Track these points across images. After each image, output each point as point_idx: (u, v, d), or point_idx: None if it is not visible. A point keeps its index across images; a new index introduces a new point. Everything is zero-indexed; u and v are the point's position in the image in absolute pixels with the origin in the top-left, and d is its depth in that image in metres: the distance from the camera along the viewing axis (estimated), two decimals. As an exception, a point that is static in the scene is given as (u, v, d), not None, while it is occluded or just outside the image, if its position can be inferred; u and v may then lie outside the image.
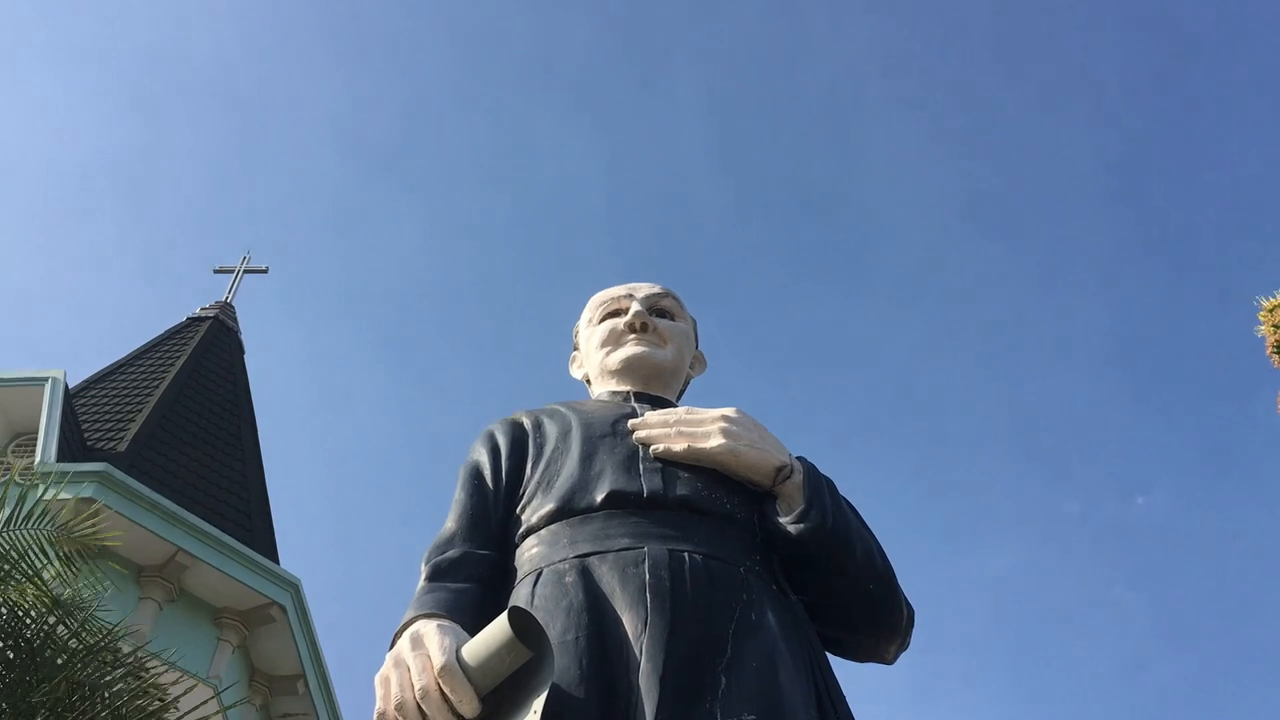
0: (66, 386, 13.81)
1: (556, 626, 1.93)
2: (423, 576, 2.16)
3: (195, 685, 10.49)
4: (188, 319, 18.70)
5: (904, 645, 2.31)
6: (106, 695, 6.51)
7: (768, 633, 1.98)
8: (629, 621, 1.94)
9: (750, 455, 2.26)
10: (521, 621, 1.80)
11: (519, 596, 2.07)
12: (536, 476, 2.34)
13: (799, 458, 2.34)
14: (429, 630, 1.93)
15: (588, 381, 2.85)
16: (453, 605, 2.04)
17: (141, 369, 16.66)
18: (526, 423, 2.52)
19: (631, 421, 2.41)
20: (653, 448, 2.31)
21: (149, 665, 7.35)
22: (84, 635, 6.92)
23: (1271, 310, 10.46)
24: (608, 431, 2.39)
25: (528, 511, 2.27)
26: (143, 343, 17.67)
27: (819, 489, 2.24)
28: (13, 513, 7.49)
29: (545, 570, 2.09)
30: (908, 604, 2.29)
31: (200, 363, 17.13)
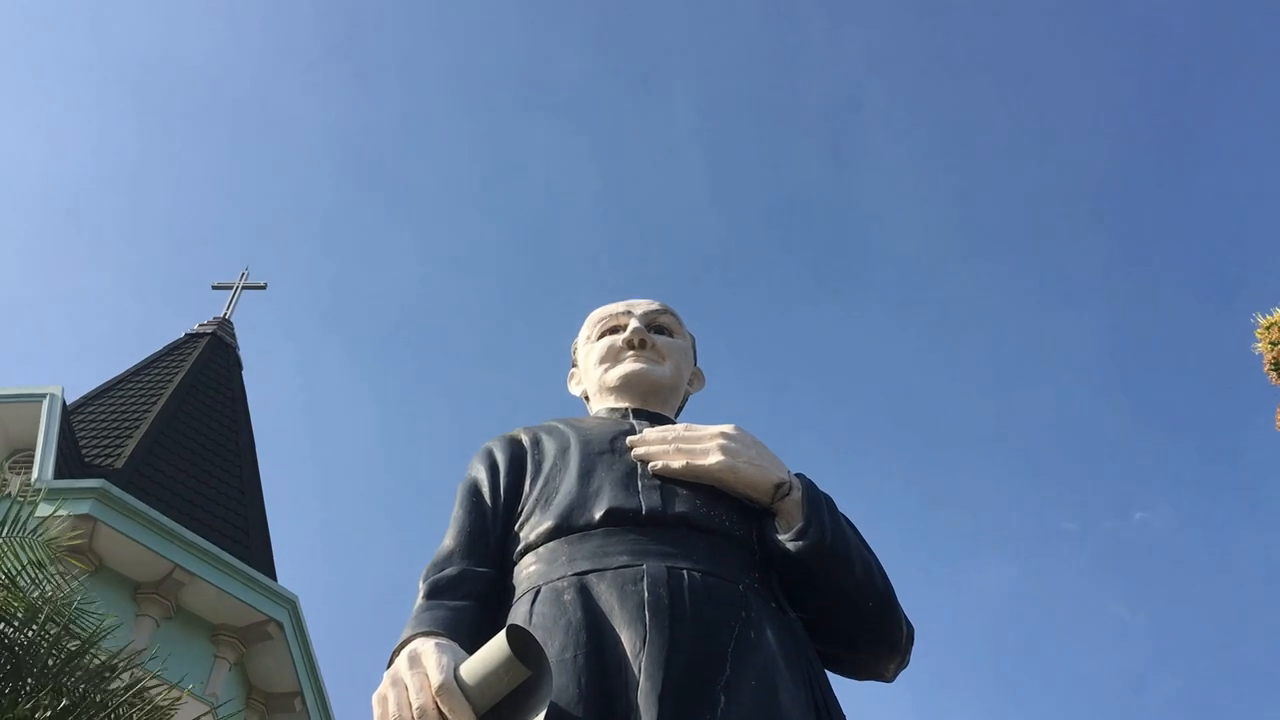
0: (64, 402, 13.79)
1: (555, 644, 1.93)
2: (420, 594, 2.15)
3: (192, 703, 10.44)
4: (186, 335, 18.70)
5: (903, 663, 2.30)
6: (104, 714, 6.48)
7: (767, 651, 1.98)
8: (628, 639, 1.94)
9: (749, 472, 2.26)
10: (520, 640, 1.79)
11: (517, 614, 2.07)
12: (535, 494, 2.34)
13: (798, 474, 2.34)
14: (427, 649, 1.92)
15: (586, 398, 2.84)
16: (451, 623, 2.03)
17: (139, 385, 16.65)
18: (525, 439, 2.52)
19: (630, 438, 2.41)
20: (651, 465, 2.30)
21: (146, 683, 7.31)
22: (70, 638, 6.88)
23: (1269, 327, 10.47)
24: (606, 448, 2.39)
25: (526, 529, 2.26)
26: (141, 359, 17.67)
27: (818, 506, 2.24)
28: (4, 521, 7.46)
29: (544, 588, 2.09)
30: (907, 622, 2.29)
31: (198, 379, 17.12)
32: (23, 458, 13.81)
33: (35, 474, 12.34)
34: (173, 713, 7.23)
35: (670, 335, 2.83)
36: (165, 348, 18.10)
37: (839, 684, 2.22)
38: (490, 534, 2.29)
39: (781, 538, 2.18)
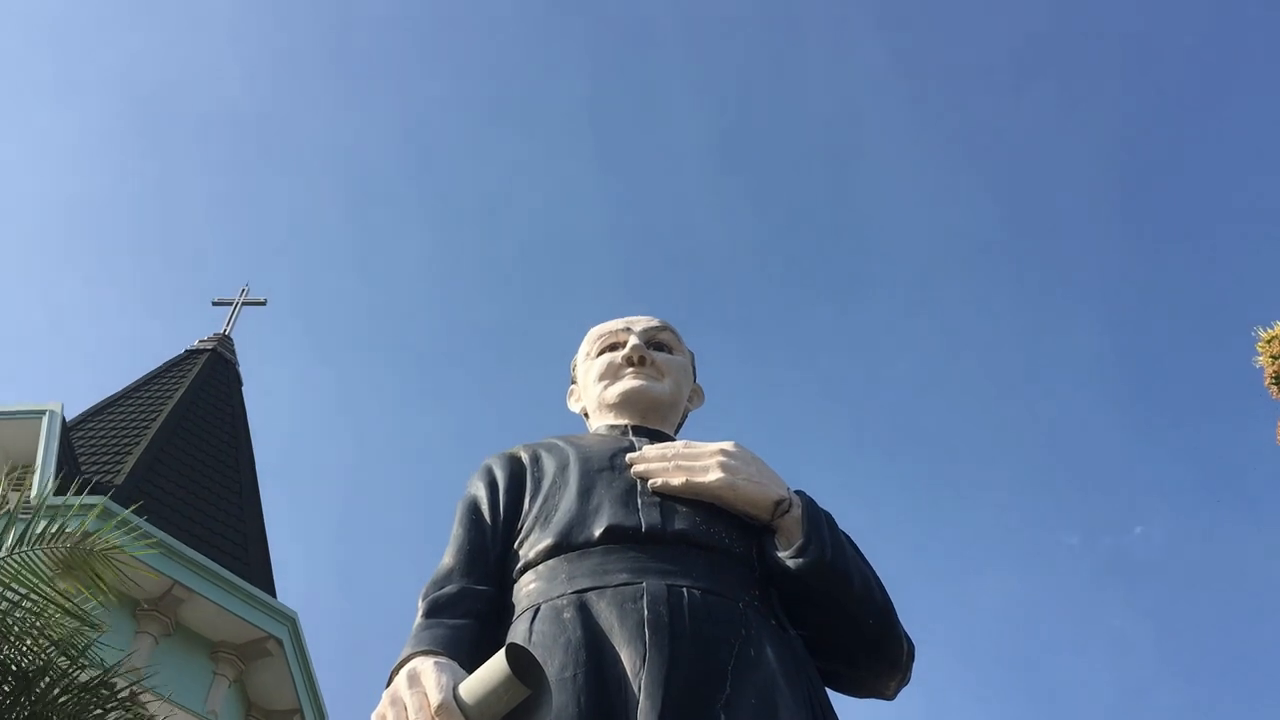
0: (64, 419, 13.80)
1: (555, 663, 1.92)
2: (420, 612, 2.15)
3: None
4: (186, 351, 18.72)
5: (904, 680, 2.29)
6: None
7: (767, 668, 1.97)
8: (627, 658, 1.93)
9: (749, 489, 2.26)
10: (520, 659, 1.79)
11: (517, 633, 2.06)
12: (534, 511, 2.33)
13: (797, 491, 2.33)
14: (426, 668, 1.91)
15: (586, 415, 2.84)
16: (450, 642, 2.03)
17: (139, 402, 16.65)
18: (524, 457, 2.52)
19: (629, 455, 2.40)
20: (651, 482, 2.30)
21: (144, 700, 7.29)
22: (79, 667, 6.85)
23: (1269, 341, 10.48)
24: (606, 465, 2.39)
25: (525, 546, 2.26)
26: (141, 375, 17.69)
27: (818, 523, 2.24)
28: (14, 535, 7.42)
29: (543, 606, 2.08)
30: (908, 639, 2.28)
31: (198, 395, 17.12)
32: (22, 474, 13.80)
33: (35, 491, 12.33)
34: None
35: (670, 352, 2.83)
36: (165, 364, 18.12)
37: (839, 701, 2.21)
38: (490, 552, 2.29)
39: (781, 555, 2.18)
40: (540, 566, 2.19)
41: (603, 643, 1.97)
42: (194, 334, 19.50)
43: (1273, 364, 10.40)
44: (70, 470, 13.31)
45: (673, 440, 2.57)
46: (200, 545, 13.15)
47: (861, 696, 2.32)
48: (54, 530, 7.59)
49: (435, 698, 1.83)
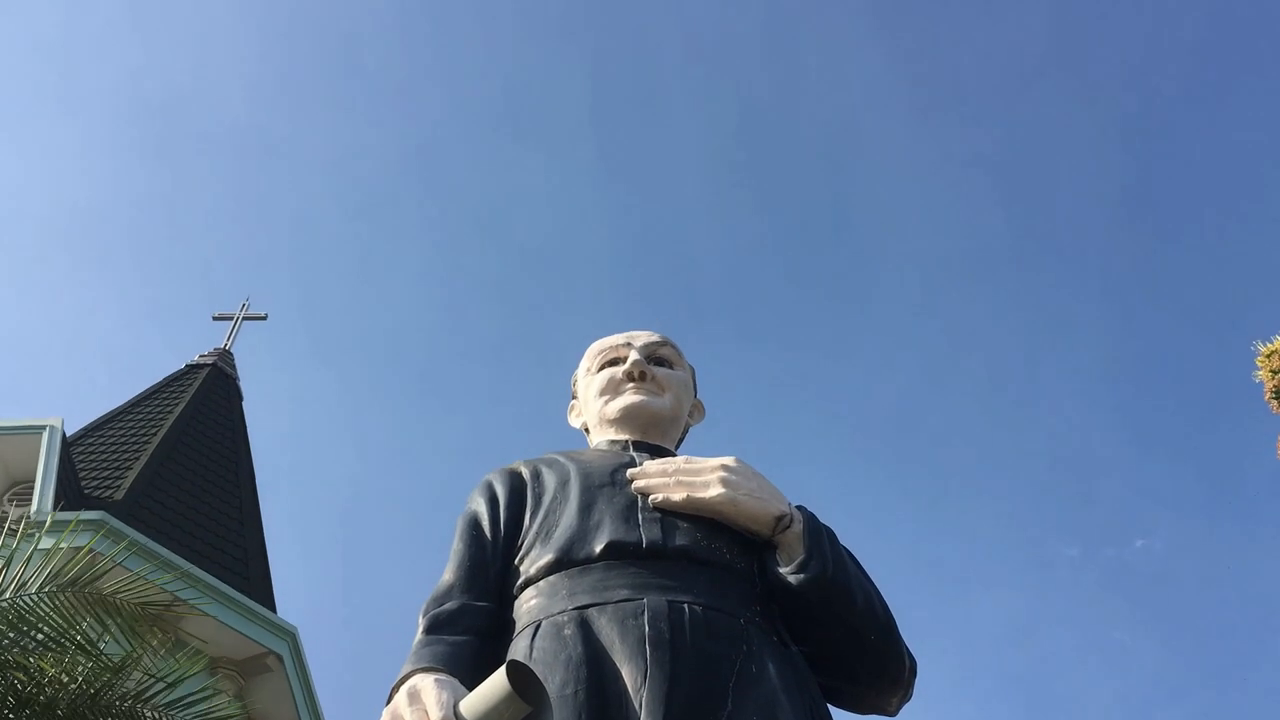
0: (64, 434, 13.78)
1: (555, 680, 1.92)
2: (420, 629, 2.14)
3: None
4: (186, 366, 18.70)
5: (906, 696, 2.29)
6: None
7: (768, 685, 1.97)
8: (628, 674, 1.93)
9: (749, 505, 2.26)
10: (520, 675, 1.78)
11: (517, 649, 2.06)
12: (535, 527, 2.33)
13: (798, 506, 2.33)
14: (426, 685, 1.91)
15: (586, 430, 2.84)
16: (450, 658, 2.02)
17: (139, 416, 16.64)
18: (525, 472, 2.52)
19: (630, 471, 2.40)
20: (652, 497, 2.30)
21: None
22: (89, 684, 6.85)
23: (1269, 355, 10.49)
24: (606, 481, 2.38)
25: (526, 562, 2.25)
26: (141, 390, 17.68)
27: (819, 538, 2.23)
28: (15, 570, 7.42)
29: (544, 622, 2.08)
30: (910, 654, 2.27)
31: (198, 410, 17.11)
32: (22, 490, 13.79)
33: (35, 506, 12.32)
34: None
35: (670, 367, 2.83)
36: (165, 379, 18.11)
37: (842, 718, 2.21)
38: (490, 568, 2.28)
39: (783, 570, 2.18)
40: (541, 583, 2.18)
41: (604, 659, 1.97)
42: (194, 349, 19.49)
43: (1273, 378, 10.41)
44: (71, 485, 13.31)
45: (674, 455, 2.57)
46: (200, 560, 13.11)
47: (863, 713, 2.31)
48: (58, 546, 7.57)
49: (436, 715, 1.83)
